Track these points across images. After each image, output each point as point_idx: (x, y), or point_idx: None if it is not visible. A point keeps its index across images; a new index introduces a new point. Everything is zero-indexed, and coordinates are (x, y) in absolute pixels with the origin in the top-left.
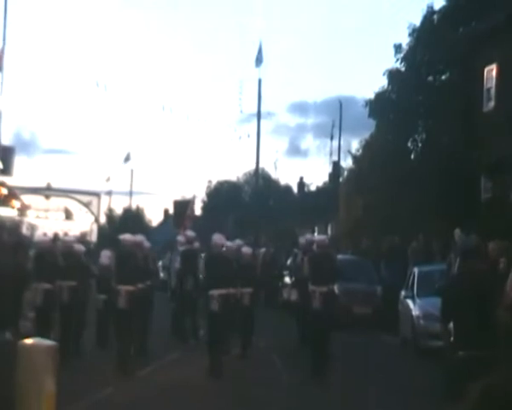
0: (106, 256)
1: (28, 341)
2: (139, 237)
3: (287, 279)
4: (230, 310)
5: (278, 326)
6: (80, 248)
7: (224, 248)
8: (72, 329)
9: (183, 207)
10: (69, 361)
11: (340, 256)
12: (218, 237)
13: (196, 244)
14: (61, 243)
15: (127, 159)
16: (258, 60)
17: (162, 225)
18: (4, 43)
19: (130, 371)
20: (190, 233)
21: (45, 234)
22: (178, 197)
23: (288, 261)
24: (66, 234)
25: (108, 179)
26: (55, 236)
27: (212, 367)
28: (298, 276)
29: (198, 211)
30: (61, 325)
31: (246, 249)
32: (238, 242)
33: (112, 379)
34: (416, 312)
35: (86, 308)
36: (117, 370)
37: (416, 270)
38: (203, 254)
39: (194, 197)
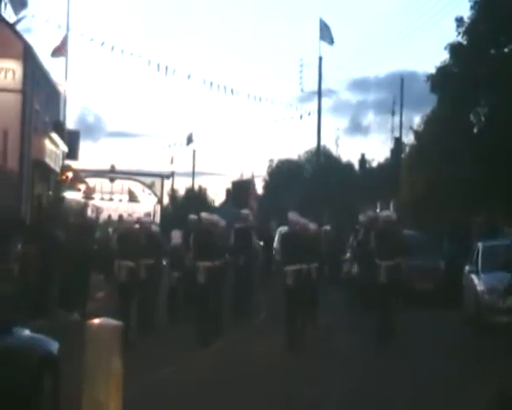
0: (177, 236)
1: (95, 321)
2: (215, 217)
3: (348, 255)
4: (304, 285)
5: (338, 301)
6: (157, 228)
7: (298, 226)
8: (150, 305)
9: (241, 187)
10: (145, 336)
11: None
12: (293, 215)
13: (250, 221)
14: (141, 224)
15: (189, 140)
16: (326, 36)
17: (225, 204)
18: (68, 31)
19: (207, 343)
20: (245, 211)
21: (130, 215)
22: (237, 177)
23: (350, 239)
24: (129, 215)
25: (172, 161)
26: (120, 217)
27: (289, 342)
28: (358, 252)
29: (259, 190)
30: (139, 301)
31: (312, 226)
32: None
33: (186, 354)
34: (480, 287)
35: (160, 286)
36: (196, 342)
37: (480, 245)
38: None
39: (253, 177)
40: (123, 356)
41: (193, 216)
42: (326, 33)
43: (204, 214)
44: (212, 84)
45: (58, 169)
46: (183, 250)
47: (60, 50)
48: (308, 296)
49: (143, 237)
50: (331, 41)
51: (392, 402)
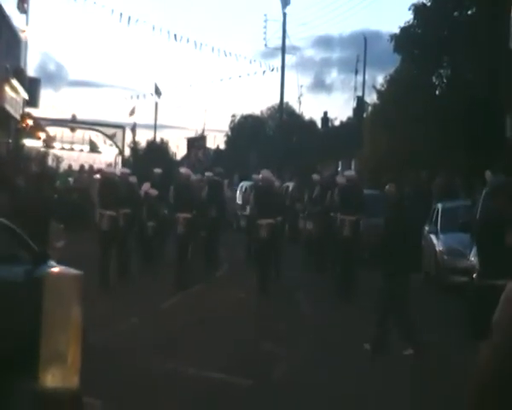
0: (148, 187)
1: (54, 270)
2: (189, 172)
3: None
4: (274, 237)
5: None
6: (134, 179)
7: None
8: (128, 252)
9: (195, 143)
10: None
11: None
12: (266, 173)
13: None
14: (121, 175)
15: (157, 91)
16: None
17: (186, 158)
18: None
19: (185, 287)
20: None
21: (110, 165)
22: (197, 132)
23: (305, 197)
24: (91, 166)
25: (133, 112)
26: (81, 167)
27: (262, 286)
28: (313, 209)
29: (222, 145)
30: (117, 248)
31: (277, 183)
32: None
33: (166, 294)
34: (439, 247)
35: (134, 233)
36: (175, 286)
37: (439, 205)
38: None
39: (203, 132)
40: (103, 299)
41: (157, 170)
42: None
43: (183, 169)
44: (176, 36)
45: (18, 116)
46: (157, 201)
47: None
48: (275, 247)
49: (123, 187)
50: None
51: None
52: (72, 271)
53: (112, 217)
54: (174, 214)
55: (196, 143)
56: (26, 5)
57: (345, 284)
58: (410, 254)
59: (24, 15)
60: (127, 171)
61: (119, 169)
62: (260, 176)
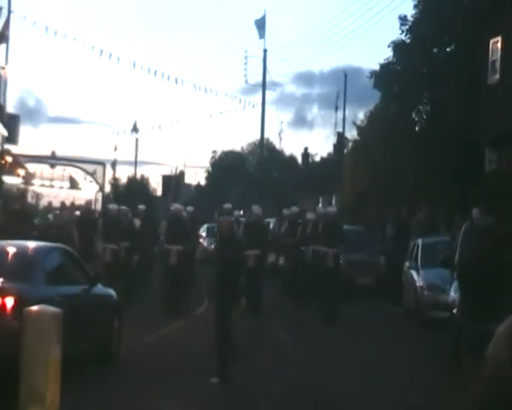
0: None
1: (33, 308)
2: (181, 207)
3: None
4: (261, 267)
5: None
6: (130, 214)
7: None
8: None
9: (170, 181)
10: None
11: (344, 227)
12: (257, 209)
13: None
14: (122, 212)
15: (135, 128)
16: (262, 27)
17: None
18: (10, 14)
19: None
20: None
21: (90, 201)
22: (171, 170)
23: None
24: (72, 203)
25: (116, 149)
26: (63, 204)
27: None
28: (284, 243)
29: (202, 181)
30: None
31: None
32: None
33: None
34: (419, 282)
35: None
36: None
37: (419, 241)
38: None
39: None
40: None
41: (141, 206)
42: (261, 26)
43: (176, 205)
44: (156, 72)
45: None
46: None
47: (3, 35)
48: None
49: (124, 222)
50: (262, 33)
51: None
52: (51, 309)
53: (114, 250)
54: (165, 247)
55: (173, 181)
56: (6, 38)
57: (329, 316)
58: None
59: (3, 52)
60: (127, 208)
61: (112, 205)
62: (251, 212)
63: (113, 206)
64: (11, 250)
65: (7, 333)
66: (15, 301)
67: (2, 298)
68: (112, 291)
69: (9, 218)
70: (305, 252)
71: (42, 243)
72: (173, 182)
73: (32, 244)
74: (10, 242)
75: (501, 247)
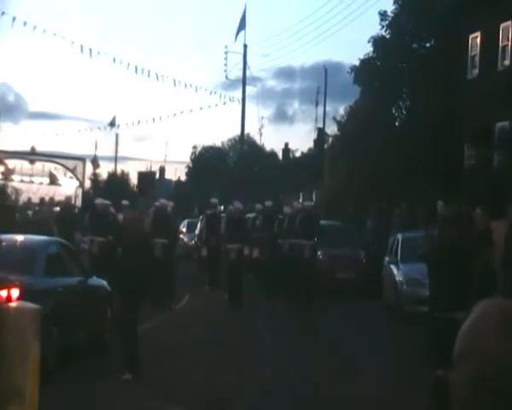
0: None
1: (11, 304)
2: (167, 203)
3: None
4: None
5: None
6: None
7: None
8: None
9: (146, 177)
10: None
11: (324, 222)
12: (238, 204)
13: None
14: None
15: (113, 124)
16: (240, 26)
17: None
18: None
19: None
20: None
21: (70, 197)
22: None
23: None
24: (51, 199)
25: (96, 145)
26: (42, 200)
27: (231, 300)
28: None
29: (183, 176)
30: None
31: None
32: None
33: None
34: (399, 277)
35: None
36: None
37: (399, 236)
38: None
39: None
40: None
41: (125, 202)
42: (241, 24)
43: (162, 200)
44: (136, 68)
45: None
46: None
47: None
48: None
49: (110, 216)
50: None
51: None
52: (30, 305)
53: (101, 242)
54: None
55: (149, 178)
56: None
57: (306, 300)
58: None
59: None
60: (107, 202)
61: (99, 200)
62: (232, 207)
63: (100, 200)
64: (13, 243)
65: None
66: (20, 292)
67: (8, 289)
68: (104, 283)
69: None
70: (282, 245)
71: (41, 237)
72: (149, 178)
73: (32, 238)
74: (11, 236)
75: (471, 236)
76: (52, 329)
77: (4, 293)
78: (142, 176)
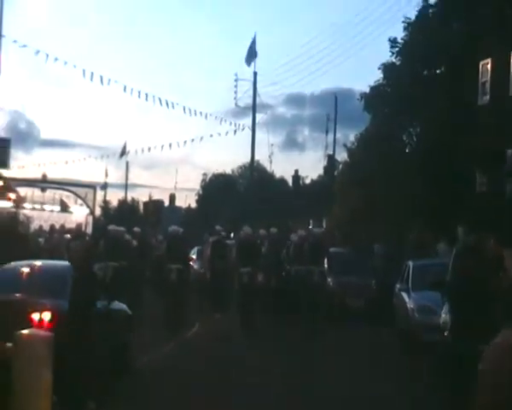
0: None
1: (24, 332)
2: (179, 229)
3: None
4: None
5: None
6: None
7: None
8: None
9: (152, 207)
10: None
11: (334, 249)
12: (247, 229)
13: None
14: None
15: (123, 152)
16: (250, 54)
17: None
18: (0, 38)
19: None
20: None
21: (80, 224)
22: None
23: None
24: (62, 226)
25: (106, 173)
26: (52, 227)
27: (243, 323)
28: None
29: (193, 203)
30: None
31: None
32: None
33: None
34: (411, 305)
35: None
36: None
37: (410, 263)
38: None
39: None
40: None
41: (137, 229)
42: (251, 52)
43: (174, 226)
44: (147, 96)
45: None
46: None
47: None
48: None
49: (123, 242)
50: (249, 62)
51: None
52: (43, 333)
53: (115, 267)
54: (166, 265)
55: (155, 207)
56: None
57: (312, 330)
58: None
59: None
60: (121, 229)
61: (113, 227)
62: (242, 232)
63: (113, 227)
64: (42, 268)
65: None
66: (52, 315)
67: (40, 313)
68: (126, 307)
69: (4, 242)
70: (290, 270)
71: (66, 263)
72: (152, 207)
73: (60, 263)
74: (40, 261)
75: (487, 265)
76: (80, 351)
77: (37, 316)
78: (148, 205)
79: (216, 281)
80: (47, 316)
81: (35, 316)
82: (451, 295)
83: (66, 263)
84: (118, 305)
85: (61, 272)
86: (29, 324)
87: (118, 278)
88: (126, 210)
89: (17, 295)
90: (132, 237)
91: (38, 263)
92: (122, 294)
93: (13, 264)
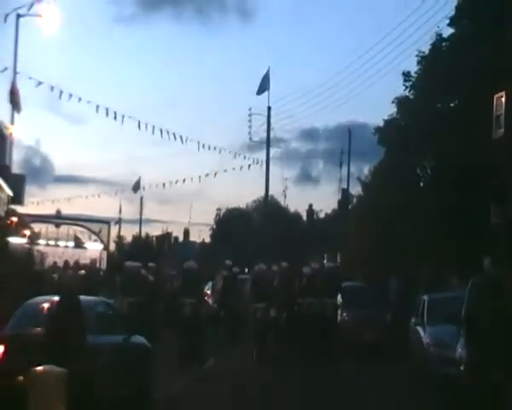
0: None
1: (38, 368)
2: (195, 264)
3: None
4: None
5: None
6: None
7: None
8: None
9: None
10: None
11: (348, 283)
12: (262, 266)
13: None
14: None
15: (136, 187)
16: (262, 86)
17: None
18: (16, 75)
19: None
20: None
21: (95, 260)
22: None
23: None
24: (76, 262)
25: (120, 209)
26: (66, 263)
27: (259, 357)
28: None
29: (207, 238)
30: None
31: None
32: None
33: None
34: (426, 339)
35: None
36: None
37: (425, 297)
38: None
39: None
40: None
41: (151, 264)
42: (263, 85)
43: (190, 262)
44: (162, 131)
45: (2, 213)
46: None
47: (16, 96)
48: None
49: (139, 278)
50: (261, 92)
51: None
52: (57, 369)
53: (131, 303)
54: (181, 300)
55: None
56: (17, 97)
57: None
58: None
59: (9, 112)
60: (139, 264)
61: (129, 262)
62: (257, 267)
63: (129, 263)
64: None
65: None
66: None
67: None
68: (145, 341)
69: (21, 280)
70: (302, 303)
71: (90, 298)
72: (162, 242)
73: (83, 298)
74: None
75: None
76: (102, 384)
77: None
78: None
79: (227, 315)
80: None
81: None
82: (468, 329)
83: (87, 298)
84: (137, 339)
85: (84, 308)
86: None
87: (134, 312)
88: (141, 245)
89: (38, 329)
90: (148, 272)
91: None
92: (139, 328)
93: (34, 300)
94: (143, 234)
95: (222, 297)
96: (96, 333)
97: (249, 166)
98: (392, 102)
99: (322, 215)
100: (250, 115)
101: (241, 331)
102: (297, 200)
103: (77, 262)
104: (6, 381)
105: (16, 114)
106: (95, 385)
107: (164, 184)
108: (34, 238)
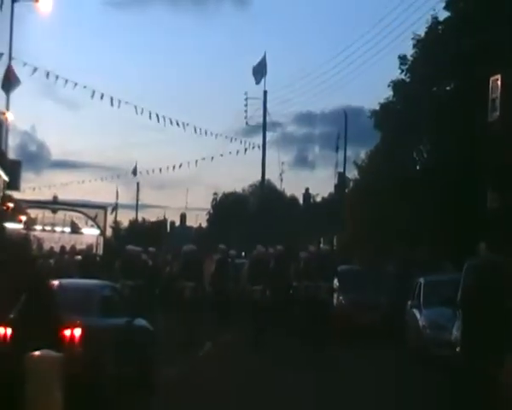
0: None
1: (35, 353)
2: (194, 248)
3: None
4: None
5: None
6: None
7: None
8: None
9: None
10: None
11: (345, 266)
12: (260, 248)
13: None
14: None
15: (135, 172)
16: (258, 70)
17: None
18: (11, 60)
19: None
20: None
21: (91, 245)
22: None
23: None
24: (73, 247)
25: (117, 193)
26: (63, 248)
27: (255, 338)
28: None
29: (204, 223)
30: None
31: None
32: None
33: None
34: (422, 321)
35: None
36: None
37: (422, 280)
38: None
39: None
40: None
41: (151, 248)
42: (259, 70)
43: (190, 246)
44: (158, 116)
45: None
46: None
47: (10, 80)
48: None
49: (139, 262)
50: (259, 79)
51: None
52: (53, 353)
53: (131, 286)
54: (181, 283)
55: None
56: (14, 83)
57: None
58: None
59: (4, 97)
60: (137, 248)
61: (130, 246)
62: (255, 251)
63: (131, 247)
64: (71, 287)
65: (78, 359)
66: (82, 331)
67: (72, 329)
68: (148, 324)
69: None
70: (298, 287)
71: (96, 281)
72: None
73: (88, 282)
74: (69, 280)
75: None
76: (107, 364)
77: (68, 332)
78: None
79: (220, 298)
80: (77, 332)
81: (66, 332)
82: (464, 310)
83: (93, 282)
84: (140, 322)
85: (89, 291)
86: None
87: (135, 296)
88: (138, 230)
89: None
90: (147, 256)
91: (67, 282)
92: (140, 312)
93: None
94: (140, 219)
95: (214, 281)
96: (102, 315)
97: (245, 150)
98: (388, 86)
99: (318, 199)
100: (246, 100)
101: (231, 315)
102: (293, 184)
103: (73, 247)
104: (12, 364)
105: (10, 101)
106: (98, 367)
107: (160, 169)
108: (30, 224)
